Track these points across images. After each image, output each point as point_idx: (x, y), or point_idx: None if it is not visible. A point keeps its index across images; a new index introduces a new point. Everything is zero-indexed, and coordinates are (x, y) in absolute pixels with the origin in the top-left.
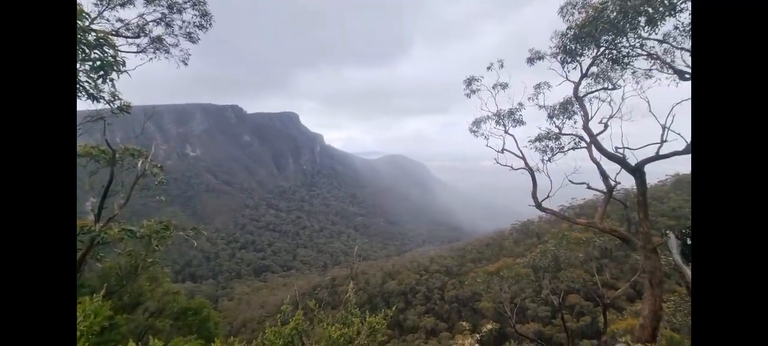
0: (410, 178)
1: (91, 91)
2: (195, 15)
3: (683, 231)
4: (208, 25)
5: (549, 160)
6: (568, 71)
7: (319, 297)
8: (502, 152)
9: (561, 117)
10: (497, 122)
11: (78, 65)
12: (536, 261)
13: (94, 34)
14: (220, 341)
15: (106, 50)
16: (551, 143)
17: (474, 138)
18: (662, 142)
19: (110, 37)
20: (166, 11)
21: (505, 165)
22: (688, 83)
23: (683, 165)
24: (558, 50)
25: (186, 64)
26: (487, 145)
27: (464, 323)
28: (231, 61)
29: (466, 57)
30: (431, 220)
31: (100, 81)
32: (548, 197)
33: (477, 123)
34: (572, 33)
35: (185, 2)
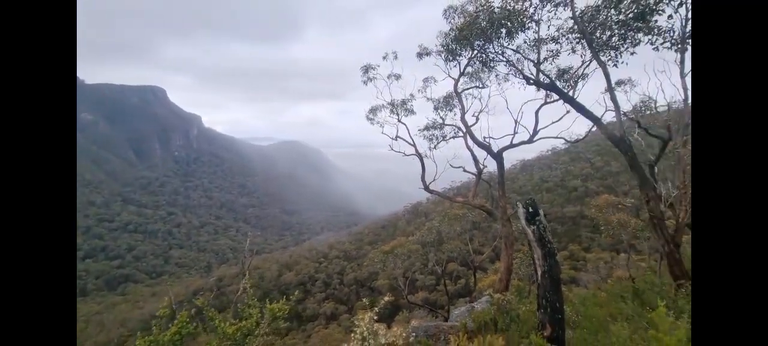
0: (307, 165)
1: None
2: None
3: (527, 201)
4: None
5: (435, 147)
6: (450, 68)
7: (183, 332)
8: (396, 139)
9: (444, 109)
10: (392, 111)
11: None
12: (424, 237)
13: None
14: None
15: None
16: (436, 132)
17: (370, 125)
18: (514, 133)
19: None
20: None
21: (399, 152)
22: (532, 87)
23: (527, 153)
24: (442, 49)
25: None
26: (382, 133)
27: (364, 300)
28: None
29: (361, 46)
30: (330, 207)
31: None
32: (434, 180)
33: (373, 111)
34: (453, 34)
35: None
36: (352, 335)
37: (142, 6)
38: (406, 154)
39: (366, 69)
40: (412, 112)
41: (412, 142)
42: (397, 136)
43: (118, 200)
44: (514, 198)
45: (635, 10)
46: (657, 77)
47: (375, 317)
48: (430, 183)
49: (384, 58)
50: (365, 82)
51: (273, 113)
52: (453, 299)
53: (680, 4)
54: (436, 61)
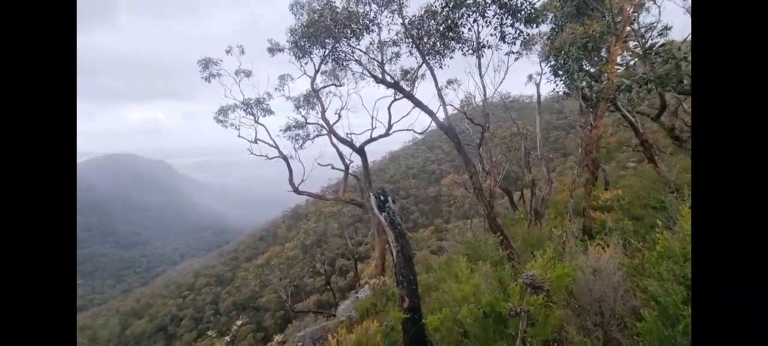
0: (148, 182)
1: None
2: None
3: (377, 191)
4: None
5: (300, 147)
6: (304, 65)
7: None
8: (256, 142)
9: (305, 108)
10: (246, 112)
11: None
12: (303, 241)
13: None
14: None
15: None
16: (300, 132)
17: (223, 129)
18: (372, 128)
19: None
20: None
21: (260, 155)
22: (381, 86)
23: (393, 144)
24: (292, 46)
25: None
26: (239, 136)
27: (210, 333)
28: None
29: (198, 38)
30: (190, 228)
31: None
32: (303, 180)
33: (224, 112)
34: (301, 31)
35: None
36: None
37: None
38: (269, 158)
39: (206, 63)
40: (270, 112)
41: (274, 144)
42: (256, 139)
43: None
44: (386, 188)
45: (447, 23)
46: (473, 78)
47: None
48: (299, 184)
49: (228, 52)
50: (207, 79)
51: (86, 120)
52: (344, 293)
53: (474, 21)
54: (290, 58)
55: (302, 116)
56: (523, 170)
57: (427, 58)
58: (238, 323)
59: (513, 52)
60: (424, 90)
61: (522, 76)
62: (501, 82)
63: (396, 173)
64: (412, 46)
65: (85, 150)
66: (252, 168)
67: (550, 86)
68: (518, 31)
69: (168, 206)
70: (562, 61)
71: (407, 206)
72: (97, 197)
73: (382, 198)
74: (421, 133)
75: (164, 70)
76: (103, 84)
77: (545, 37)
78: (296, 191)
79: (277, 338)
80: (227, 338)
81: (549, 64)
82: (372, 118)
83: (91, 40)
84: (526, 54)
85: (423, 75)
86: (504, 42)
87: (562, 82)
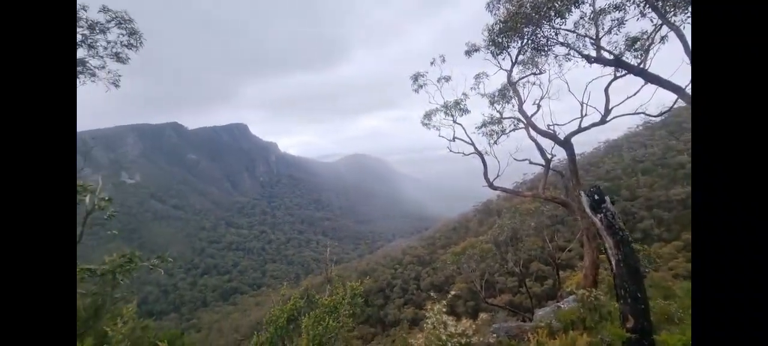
0: (373, 175)
1: None
2: (122, 34)
3: (591, 189)
4: (138, 45)
5: (495, 142)
6: (501, 60)
7: (296, 306)
8: (454, 140)
9: (501, 102)
10: (446, 113)
11: None
12: (496, 236)
13: None
14: None
15: None
16: (495, 127)
17: (427, 130)
18: (582, 116)
19: None
20: (86, 32)
21: (458, 152)
22: (595, 65)
23: (612, 132)
24: (489, 43)
25: (117, 86)
26: (439, 136)
27: (432, 293)
28: (167, 79)
29: (405, 55)
30: (399, 213)
31: None
32: (498, 176)
33: (428, 116)
34: (498, 27)
35: (108, 22)
36: (425, 324)
37: (223, 57)
38: (465, 154)
39: (415, 77)
40: (466, 111)
41: (470, 141)
42: (454, 138)
43: (223, 224)
44: (601, 186)
45: None
46: None
47: (444, 309)
48: (493, 180)
49: (432, 63)
50: (416, 90)
51: (335, 131)
52: (540, 301)
53: None
54: (485, 56)
55: (497, 112)
56: None
57: (668, 15)
58: (452, 293)
59: None
60: (665, 57)
61: None
62: None
63: (615, 167)
64: (644, 6)
65: (335, 152)
66: (448, 163)
67: None
68: None
69: (385, 194)
70: None
71: (633, 211)
72: (343, 186)
73: (596, 197)
74: (657, 116)
75: (381, 86)
76: (345, 103)
77: None
78: (491, 186)
79: (495, 324)
80: (444, 302)
81: None
82: (582, 105)
83: (336, 75)
84: None
85: (662, 39)
86: None
87: None
